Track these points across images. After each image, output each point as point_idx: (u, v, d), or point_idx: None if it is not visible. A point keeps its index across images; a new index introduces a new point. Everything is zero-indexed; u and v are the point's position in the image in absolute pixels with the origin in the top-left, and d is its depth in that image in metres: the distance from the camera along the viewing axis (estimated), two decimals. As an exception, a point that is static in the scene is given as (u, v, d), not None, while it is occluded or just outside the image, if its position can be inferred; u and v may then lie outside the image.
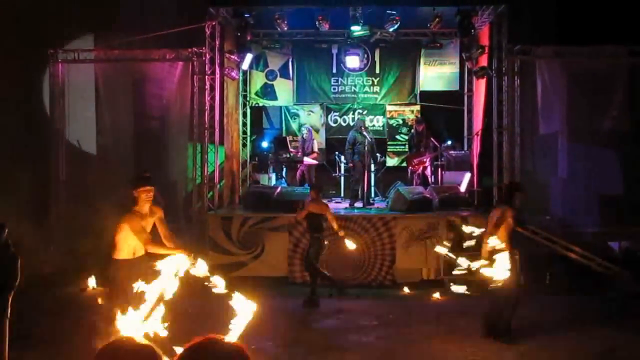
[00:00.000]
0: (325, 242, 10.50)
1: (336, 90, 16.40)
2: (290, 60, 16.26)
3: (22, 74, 12.91)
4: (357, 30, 14.18)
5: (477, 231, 8.26)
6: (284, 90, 16.38)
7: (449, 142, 14.93)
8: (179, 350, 2.35)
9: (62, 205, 13.02)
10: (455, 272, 8.33)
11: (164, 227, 7.13)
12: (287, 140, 15.49)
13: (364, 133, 13.63)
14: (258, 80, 16.41)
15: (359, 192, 13.75)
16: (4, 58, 11.93)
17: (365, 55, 16.06)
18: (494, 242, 7.97)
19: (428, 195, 12.81)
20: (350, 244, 10.66)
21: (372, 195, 14.20)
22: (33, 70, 13.32)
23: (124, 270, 6.73)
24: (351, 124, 16.04)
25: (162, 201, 12.05)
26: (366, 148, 13.43)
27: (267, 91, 16.42)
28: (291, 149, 14.86)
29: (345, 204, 13.81)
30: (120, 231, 6.80)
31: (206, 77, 13.11)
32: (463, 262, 7.96)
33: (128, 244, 6.82)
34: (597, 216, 12.28)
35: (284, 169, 14.73)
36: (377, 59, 16.18)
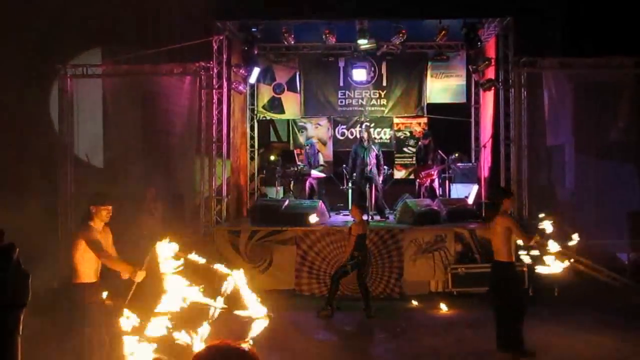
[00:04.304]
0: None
1: (343, 103, 16.46)
2: (297, 73, 16.34)
3: (30, 89, 13.00)
4: (363, 43, 14.24)
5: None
6: (292, 103, 16.45)
7: (456, 155, 14.92)
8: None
9: (71, 219, 13.06)
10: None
11: (112, 250, 6.97)
12: (295, 153, 15.53)
13: (365, 145, 13.74)
14: (265, 93, 16.50)
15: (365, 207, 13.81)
16: (13, 73, 12.02)
17: (372, 68, 16.13)
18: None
19: (436, 208, 12.81)
20: None
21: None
22: (41, 84, 13.41)
23: (88, 295, 6.66)
24: (358, 136, 16.11)
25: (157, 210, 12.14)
26: (369, 160, 13.54)
27: (275, 104, 16.50)
28: (298, 162, 14.89)
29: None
30: (79, 249, 6.66)
31: (214, 91, 13.19)
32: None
33: (90, 264, 6.69)
34: (605, 227, 12.22)
35: (292, 182, 14.75)
36: (383, 71, 16.25)
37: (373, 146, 13.97)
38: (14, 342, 6.59)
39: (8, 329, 6.52)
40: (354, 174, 13.95)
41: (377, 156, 13.87)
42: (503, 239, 7.96)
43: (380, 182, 14.06)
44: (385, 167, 14.24)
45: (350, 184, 14.50)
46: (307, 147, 15.34)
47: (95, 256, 6.65)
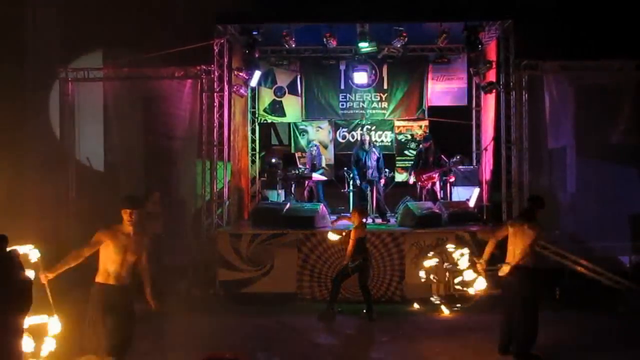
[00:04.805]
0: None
1: (344, 106, 16.46)
2: (298, 76, 16.34)
3: (31, 93, 13.01)
4: (364, 46, 14.23)
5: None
6: (293, 106, 16.45)
7: (458, 157, 14.91)
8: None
9: (72, 223, 13.06)
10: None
11: (143, 257, 7.01)
12: (296, 156, 15.52)
13: (366, 148, 13.79)
14: (266, 97, 16.50)
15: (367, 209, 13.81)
16: (14, 76, 12.03)
17: (373, 71, 16.12)
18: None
19: (437, 211, 12.79)
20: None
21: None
22: (43, 88, 13.41)
23: (94, 294, 6.75)
24: (359, 140, 16.15)
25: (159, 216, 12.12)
26: (370, 163, 13.59)
27: (276, 108, 16.50)
28: (300, 165, 14.88)
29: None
30: (101, 248, 6.77)
31: (215, 94, 13.19)
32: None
33: (104, 265, 6.77)
34: (607, 230, 12.21)
35: (293, 186, 14.74)
36: (384, 74, 16.24)
37: (374, 149, 14.04)
38: (17, 347, 6.62)
39: (11, 334, 6.55)
40: (356, 177, 13.97)
41: (378, 159, 13.92)
42: (531, 246, 8.01)
43: (382, 185, 14.10)
44: (386, 170, 14.25)
45: (351, 187, 14.49)
46: (313, 149, 15.35)
47: (113, 258, 6.70)
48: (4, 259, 6.62)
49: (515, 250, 8.11)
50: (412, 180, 14.39)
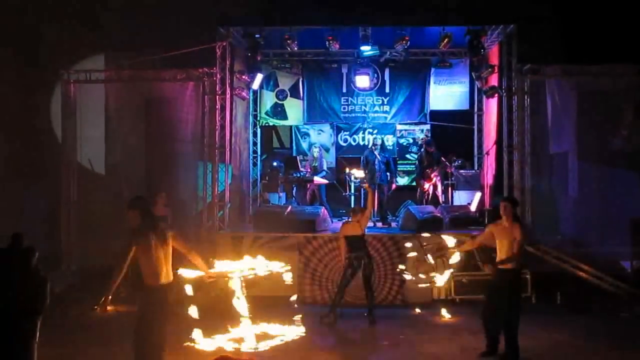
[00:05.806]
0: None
1: (346, 109, 16.48)
2: (300, 80, 16.36)
3: (34, 95, 13.02)
4: (366, 50, 14.27)
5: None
6: (294, 109, 16.46)
7: (459, 162, 14.91)
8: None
9: (73, 225, 13.05)
10: None
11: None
12: (298, 159, 15.51)
13: (375, 152, 13.79)
14: (268, 100, 16.50)
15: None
16: (17, 78, 12.04)
17: (375, 75, 16.14)
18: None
19: (438, 215, 12.78)
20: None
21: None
22: (45, 90, 13.42)
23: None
24: (361, 143, 16.21)
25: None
26: (375, 167, 13.58)
27: (278, 111, 16.51)
28: (301, 168, 14.87)
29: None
30: None
31: (217, 97, 13.16)
32: None
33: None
34: (608, 234, 12.19)
35: (294, 189, 14.74)
36: (386, 78, 16.27)
37: (383, 153, 14.03)
38: (31, 348, 6.60)
39: (25, 335, 6.53)
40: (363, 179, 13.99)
41: (387, 163, 13.92)
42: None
43: (387, 189, 14.10)
44: (388, 173, 14.25)
45: (353, 191, 14.49)
46: (315, 151, 15.33)
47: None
48: (20, 255, 6.61)
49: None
50: (427, 186, 14.38)
